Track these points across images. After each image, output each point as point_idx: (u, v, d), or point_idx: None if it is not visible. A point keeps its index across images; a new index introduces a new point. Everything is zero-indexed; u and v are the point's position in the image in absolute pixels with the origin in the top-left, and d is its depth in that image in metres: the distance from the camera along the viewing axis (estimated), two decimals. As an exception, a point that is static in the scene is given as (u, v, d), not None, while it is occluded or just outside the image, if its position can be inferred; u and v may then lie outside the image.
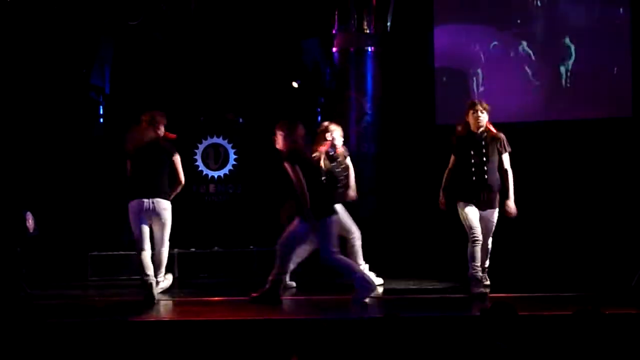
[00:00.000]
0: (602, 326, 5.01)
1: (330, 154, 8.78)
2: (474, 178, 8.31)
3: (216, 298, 8.50)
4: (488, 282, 8.48)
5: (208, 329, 6.84)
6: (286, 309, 7.91)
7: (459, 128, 8.45)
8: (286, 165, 7.88)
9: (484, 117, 8.33)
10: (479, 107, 8.35)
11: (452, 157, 8.50)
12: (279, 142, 8.05)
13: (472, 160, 8.33)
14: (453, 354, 5.29)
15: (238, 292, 8.38)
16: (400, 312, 7.41)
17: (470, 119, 8.36)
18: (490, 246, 8.53)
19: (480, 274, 8.35)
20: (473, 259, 8.31)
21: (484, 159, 8.33)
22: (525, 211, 10.18)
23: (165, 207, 8.36)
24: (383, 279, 9.21)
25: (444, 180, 8.54)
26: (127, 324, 7.03)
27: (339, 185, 8.80)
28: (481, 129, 8.34)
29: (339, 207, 8.72)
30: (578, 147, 10.47)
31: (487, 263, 8.56)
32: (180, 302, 8.44)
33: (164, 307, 8.18)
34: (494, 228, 8.46)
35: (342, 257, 8.06)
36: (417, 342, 4.62)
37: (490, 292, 8.32)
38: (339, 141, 8.86)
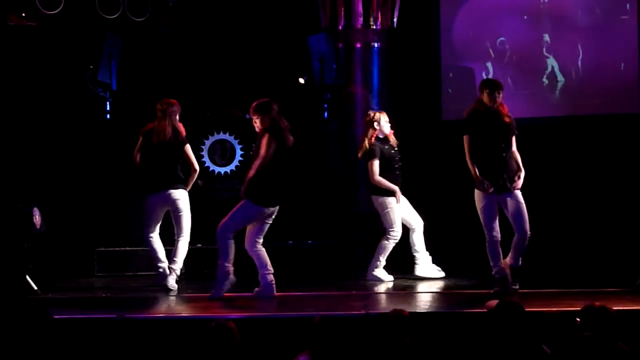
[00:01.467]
0: (610, 323, 5.02)
1: (381, 137, 9.19)
2: (489, 157, 8.08)
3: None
4: (517, 287, 8.19)
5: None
6: (294, 305, 7.91)
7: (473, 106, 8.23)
8: (265, 137, 7.92)
9: (500, 97, 8.12)
10: (496, 87, 8.12)
11: (467, 138, 8.17)
12: (258, 125, 8.09)
13: (490, 138, 8.09)
14: (461, 350, 5.29)
15: (245, 288, 8.38)
16: (407, 307, 7.42)
17: (485, 98, 8.12)
18: (526, 242, 8.20)
19: (506, 271, 8.11)
20: (493, 257, 8.12)
21: (501, 137, 8.11)
22: (533, 207, 10.18)
23: (179, 197, 8.69)
24: (390, 273, 9.21)
25: (473, 164, 8.13)
26: (134, 320, 7.03)
27: (396, 167, 9.16)
28: (495, 108, 8.11)
29: (402, 198, 9.12)
30: (585, 143, 10.46)
31: (520, 261, 8.24)
32: (187, 298, 8.46)
33: (171, 303, 8.20)
34: (525, 210, 8.15)
35: (231, 243, 8.08)
36: (424, 337, 4.63)
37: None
38: (386, 127, 9.22)
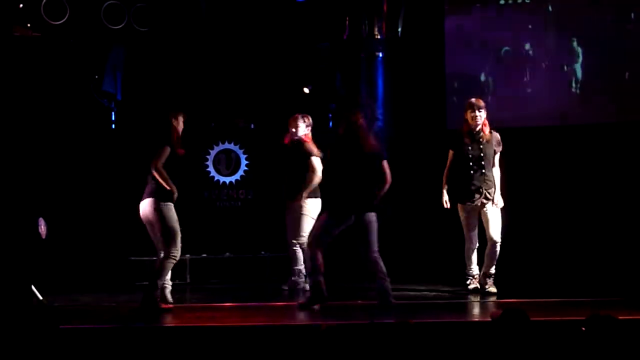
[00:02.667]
0: (615, 332, 5.00)
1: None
2: (471, 172, 8.69)
3: (228, 304, 8.52)
4: (494, 290, 8.58)
5: (220, 335, 6.84)
6: (298, 315, 7.92)
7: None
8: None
9: (481, 115, 8.72)
10: (476, 107, 8.73)
11: (451, 153, 8.89)
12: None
13: (470, 156, 8.70)
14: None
15: (250, 298, 8.39)
16: (412, 317, 7.41)
17: (468, 117, 8.75)
18: (497, 249, 8.62)
19: (474, 272, 8.82)
20: (467, 259, 8.85)
21: (482, 154, 8.68)
22: (537, 216, 10.19)
23: (146, 209, 8.09)
24: (394, 283, 9.20)
25: (444, 178, 8.93)
26: (138, 330, 7.04)
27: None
28: (478, 127, 8.72)
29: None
30: (590, 152, 10.45)
31: (493, 269, 8.68)
32: (192, 308, 8.46)
33: (176, 313, 8.19)
34: (500, 224, 8.72)
35: (321, 256, 7.99)
36: (429, 348, 4.62)
37: (502, 298, 8.33)
38: (300, 132, 9.11)
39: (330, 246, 10.16)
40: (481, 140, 8.73)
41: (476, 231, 8.82)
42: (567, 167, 10.51)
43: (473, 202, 8.70)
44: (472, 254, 8.88)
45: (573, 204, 10.41)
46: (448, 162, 8.93)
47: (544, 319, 6.93)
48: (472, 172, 8.69)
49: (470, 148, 8.72)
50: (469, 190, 8.72)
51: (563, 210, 10.40)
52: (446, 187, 8.89)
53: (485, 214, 8.72)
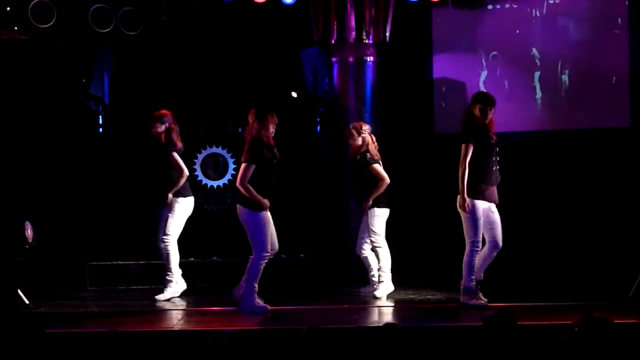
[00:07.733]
0: (609, 335, 5.00)
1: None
2: (494, 168, 8.25)
3: (215, 308, 8.50)
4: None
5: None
6: (285, 318, 7.90)
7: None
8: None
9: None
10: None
11: (471, 147, 8.20)
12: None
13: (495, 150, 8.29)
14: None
15: (237, 302, 8.36)
16: (399, 321, 7.40)
17: (486, 113, 8.27)
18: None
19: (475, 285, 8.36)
20: (472, 269, 8.31)
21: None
22: (524, 220, 10.20)
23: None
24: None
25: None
26: (125, 335, 7.01)
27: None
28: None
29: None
30: (577, 157, 10.48)
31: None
32: (180, 312, 8.44)
33: (163, 317, 8.18)
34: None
35: None
36: (416, 352, 4.62)
37: (490, 302, 8.32)
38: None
39: (316, 252, 10.20)
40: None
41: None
42: (555, 171, 10.53)
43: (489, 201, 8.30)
44: (476, 260, 8.32)
45: (562, 210, 10.44)
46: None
47: (532, 323, 6.94)
48: (494, 168, 8.25)
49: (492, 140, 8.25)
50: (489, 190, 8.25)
51: (551, 215, 10.43)
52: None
53: (493, 213, 8.36)
